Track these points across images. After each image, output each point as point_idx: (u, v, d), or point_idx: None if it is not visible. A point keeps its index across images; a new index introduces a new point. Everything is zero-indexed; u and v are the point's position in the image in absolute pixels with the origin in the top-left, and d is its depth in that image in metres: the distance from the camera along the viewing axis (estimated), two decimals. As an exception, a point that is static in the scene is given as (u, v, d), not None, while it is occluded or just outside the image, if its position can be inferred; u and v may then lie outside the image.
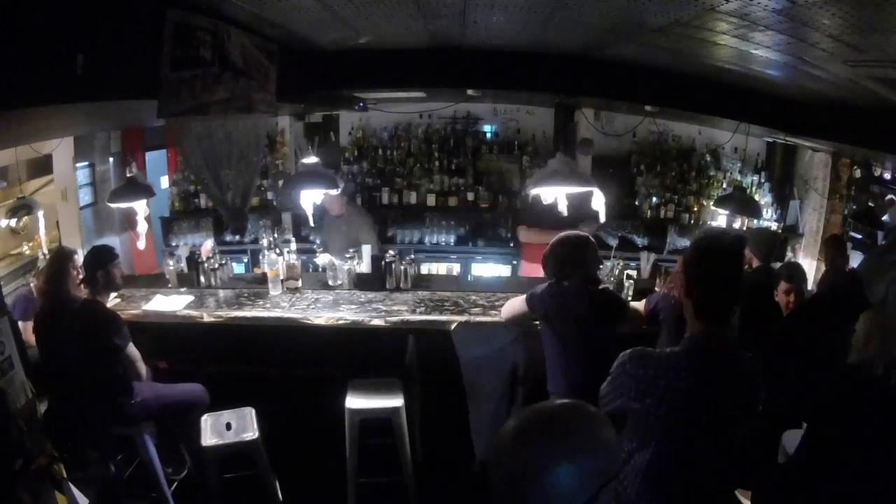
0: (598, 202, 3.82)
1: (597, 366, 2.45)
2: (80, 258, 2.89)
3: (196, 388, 2.87)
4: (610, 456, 0.98)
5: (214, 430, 2.65)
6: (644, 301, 2.79)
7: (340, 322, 3.10)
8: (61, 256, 2.86)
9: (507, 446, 0.97)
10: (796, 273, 3.15)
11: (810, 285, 4.88)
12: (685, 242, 5.39)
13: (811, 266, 5.21)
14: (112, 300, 3.12)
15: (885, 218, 4.27)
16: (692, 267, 1.57)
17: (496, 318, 3.10)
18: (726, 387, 1.53)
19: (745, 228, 5.24)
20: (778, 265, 3.55)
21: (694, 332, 1.57)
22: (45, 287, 2.81)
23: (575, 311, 2.50)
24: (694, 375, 1.50)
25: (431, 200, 5.48)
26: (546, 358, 2.60)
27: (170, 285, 3.53)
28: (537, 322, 2.78)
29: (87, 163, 4.49)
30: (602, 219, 3.71)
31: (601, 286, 2.69)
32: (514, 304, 2.81)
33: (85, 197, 4.48)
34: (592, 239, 2.65)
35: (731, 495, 2.16)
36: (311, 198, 3.73)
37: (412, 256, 3.60)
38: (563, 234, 2.61)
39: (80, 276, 2.77)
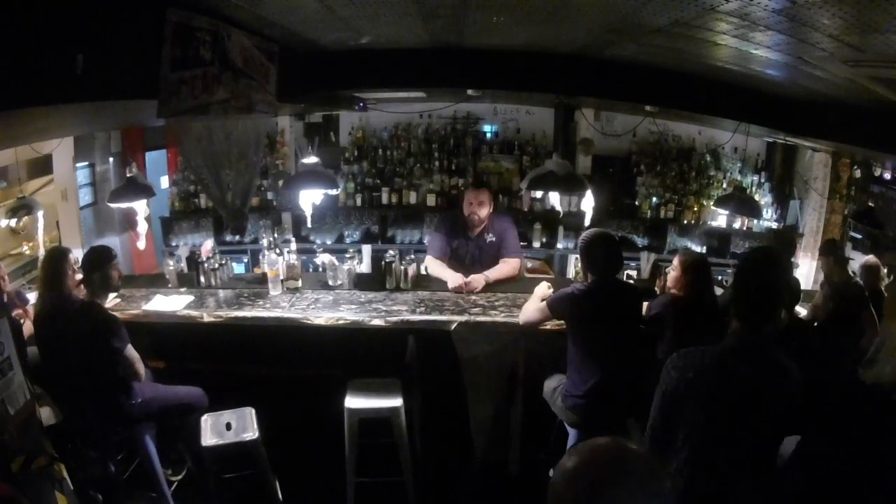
0: (589, 204, 3.84)
1: (618, 366, 2.47)
2: (74, 257, 2.89)
3: (196, 391, 2.87)
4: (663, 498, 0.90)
5: (214, 430, 2.65)
6: (646, 305, 2.79)
7: (340, 322, 3.10)
8: (56, 256, 2.84)
9: (563, 487, 0.89)
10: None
11: (811, 285, 4.90)
12: (685, 242, 5.40)
13: (811, 266, 5.21)
14: (112, 300, 3.12)
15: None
16: (739, 280, 1.78)
17: (496, 318, 3.10)
18: (763, 383, 1.63)
19: (745, 228, 5.27)
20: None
21: (734, 331, 1.71)
22: (43, 289, 2.80)
23: (605, 311, 2.48)
24: (732, 370, 1.64)
25: (431, 200, 5.48)
26: (569, 360, 2.59)
27: (170, 285, 3.53)
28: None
29: (87, 163, 4.49)
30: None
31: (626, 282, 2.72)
32: (532, 310, 2.79)
33: (85, 197, 4.49)
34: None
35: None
36: (310, 198, 3.73)
37: (412, 256, 3.60)
38: (595, 231, 2.61)
39: (78, 275, 2.77)
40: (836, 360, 3.33)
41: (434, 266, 3.60)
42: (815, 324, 3.53)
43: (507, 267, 3.53)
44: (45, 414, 2.54)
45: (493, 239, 3.55)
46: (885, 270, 4.20)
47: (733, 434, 1.66)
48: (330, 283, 3.57)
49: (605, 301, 2.49)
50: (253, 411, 2.76)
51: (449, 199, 5.48)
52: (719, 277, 4.93)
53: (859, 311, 3.30)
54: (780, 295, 1.78)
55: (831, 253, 3.57)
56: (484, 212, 3.43)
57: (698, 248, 5.32)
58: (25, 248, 4.49)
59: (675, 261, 2.82)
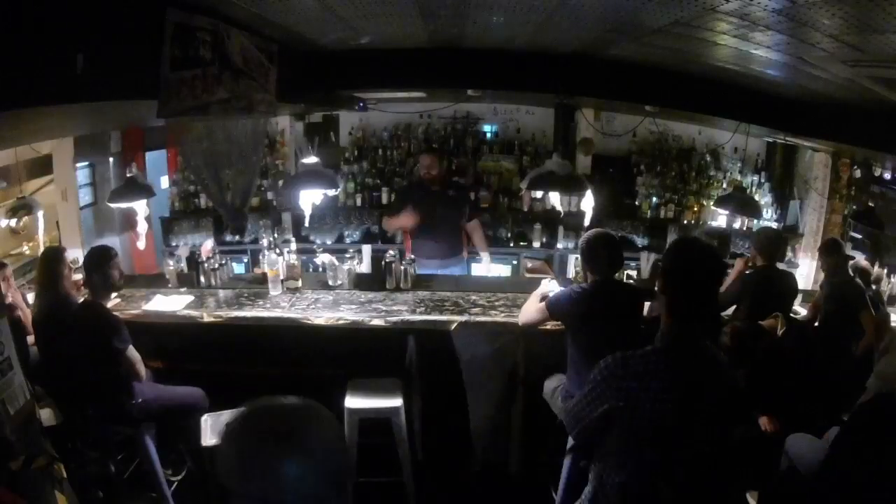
0: (589, 204, 3.84)
1: None
2: (71, 256, 2.88)
3: (196, 391, 2.87)
4: (336, 456, 0.98)
5: (214, 430, 2.64)
6: (647, 305, 2.78)
7: (340, 322, 3.10)
8: (52, 256, 2.84)
9: (231, 438, 0.96)
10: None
11: (811, 285, 4.90)
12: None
13: (811, 266, 5.21)
14: (112, 300, 3.12)
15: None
16: (669, 270, 1.61)
17: (496, 318, 3.10)
18: (705, 378, 1.54)
19: (744, 228, 5.27)
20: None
21: (667, 329, 1.59)
22: (40, 288, 2.80)
23: (604, 311, 2.47)
24: (674, 370, 1.52)
25: (431, 200, 5.47)
26: (569, 360, 2.58)
27: (170, 285, 3.53)
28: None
29: (87, 163, 4.49)
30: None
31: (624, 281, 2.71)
32: (532, 311, 2.78)
33: (85, 197, 4.48)
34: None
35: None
36: (311, 198, 3.73)
37: (412, 256, 3.61)
38: (596, 231, 2.59)
39: (77, 275, 2.76)
40: (836, 360, 3.34)
41: (388, 221, 4.13)
42: (815, 324, 3.54)
43: (479, 233, 4.24)
44: (45, 415, 2.54)
45: (453, 194, 4.08)
46: (884, 271, 4.21)
47: (681, 445, 1.55)
48: (330, 283, 3.57)
49: (606, 301, 2.49)
50: (253, 411, 2.76)
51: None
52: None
53: (858, 312, 3.30)
54: (717, 285, 1.60)
55: (833, 253, 3.56)
56: (434, 171, 3.95)
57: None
58: (25, 248, 4.49)
59: None
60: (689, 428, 1.54)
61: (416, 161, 5.54)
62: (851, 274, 3.56)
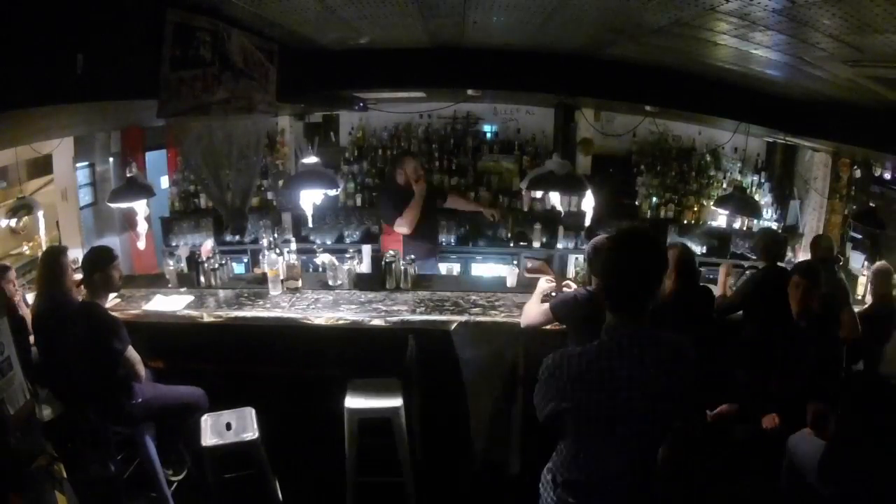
0: (589, 204, 3.84)
1: None
2: (70, 256, 2.88)
3: (196, 391, 2.87)
4: None
5: (214, 430, 2.65)
6: None
7: (340, 322, 3.10)
8: (54, 254, 2.84)
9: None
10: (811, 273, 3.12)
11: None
12: (685, 242, 5.39)
13: (811, 266, 5.20)
14: (112, 300, 3.12)
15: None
16: (604, 274, 1.61)
17: (496, 318, 3.11)
18: (649, 370, 1.52)
19: (745, 228, 5.28)
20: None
21: (611, 324, 1.57)
22: (41, 288, 2.79)
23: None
24: (619, 360, 1.51)
25: (431, 200, 5.47)
26: None
27: (170, 285, 3.53)
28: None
29: (87, 163, 4.49)
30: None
31: None
32: (536, 314, 2.77)
33: (85, 197, 4.48)
34: None
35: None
36: (311, 198, 3.73)
37: (412, 256, 3.61)
38: (605, 236, 2.59)
39: (77, 275, 2.76)
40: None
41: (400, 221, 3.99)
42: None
43: (460, 199, 4.65)
44: (45, 410, 2.54)
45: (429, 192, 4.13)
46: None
47: (626, 434, 1.56)
48: (330, 283, 3.57)
49: (600, 306, 2.49)
50: (253, 411, 2.76)
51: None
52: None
53: (841, 308, 3.30)
54: (655, 275, 1.55)
55: (823, 248, 3.56)
56: (422, 172, 4.05)
57: (698, 248, 5.31)
58: (25, 248, 4.49)
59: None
60: (633, 422, 1.55)
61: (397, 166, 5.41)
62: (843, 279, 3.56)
